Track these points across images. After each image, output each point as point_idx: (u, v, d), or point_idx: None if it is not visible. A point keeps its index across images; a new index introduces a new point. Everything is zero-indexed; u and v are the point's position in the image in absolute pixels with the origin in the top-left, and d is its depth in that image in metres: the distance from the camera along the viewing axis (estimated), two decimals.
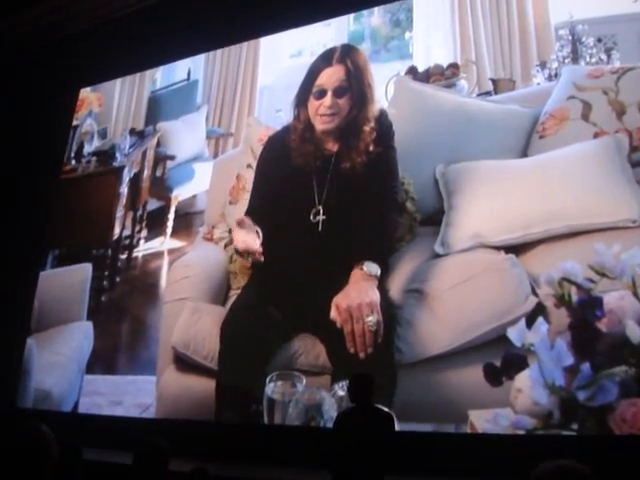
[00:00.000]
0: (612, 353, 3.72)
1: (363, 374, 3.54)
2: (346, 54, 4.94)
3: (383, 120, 4.93)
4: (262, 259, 4.55)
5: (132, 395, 5.89)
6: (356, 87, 4.85)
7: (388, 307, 4.52)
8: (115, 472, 3.84)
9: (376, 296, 4.42)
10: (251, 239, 4.55)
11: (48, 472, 1.90)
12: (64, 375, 6.23)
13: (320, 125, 4.93)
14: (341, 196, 4.85)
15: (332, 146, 4.98)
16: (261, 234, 4.64)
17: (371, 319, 4.30)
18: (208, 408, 4.80)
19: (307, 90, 4.96)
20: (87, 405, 6.08)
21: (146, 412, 5.61)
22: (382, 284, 4.63)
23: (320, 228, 4.83)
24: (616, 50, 5.01)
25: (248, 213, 5.12)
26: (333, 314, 4.40)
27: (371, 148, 4.81)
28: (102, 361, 6.30)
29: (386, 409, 3.60)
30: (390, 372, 4.38)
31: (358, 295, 4.40)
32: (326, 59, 4.98)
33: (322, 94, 4.88)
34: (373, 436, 3.34)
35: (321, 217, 4.84)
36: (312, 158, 4.92)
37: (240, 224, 4.63)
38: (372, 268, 4.50)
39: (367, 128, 4.83)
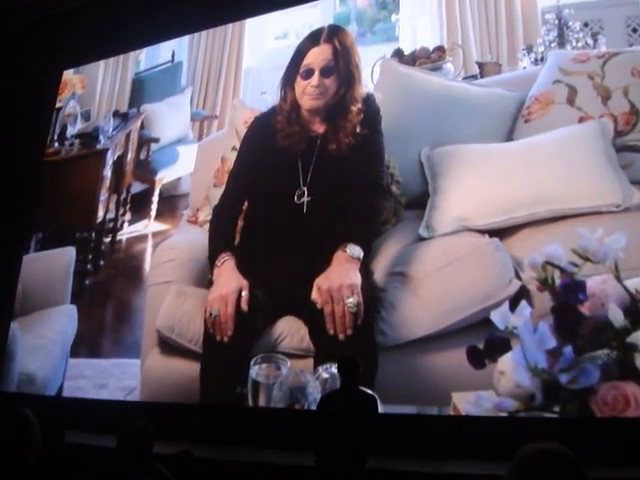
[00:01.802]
0: (594, 336, 3.75)
1: (349, 357, 3.54)
2: (333, 34, 4.93)
3: (370, 103, 4.91)
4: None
5: (117, 378, 5.88)
6: (343, 67, 4.84)
7: (370, 289, 4.53)
8: (99, 455, 3.84)
9: (357, 279, 4.44)
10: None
11: (31, 457, 1.90)
12: (48, 359, 6.20)
13: (307, 102, 4.91)
14: (326, 178, 4.84)
15: (318, 127, 4.96)
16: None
17: (351, 301, 4.32)
18: (193, 391, 4.79)
19: (294, 70, 4.94)
20: (71, 389, 6.06)
21: (130, 395, 5.60)
22: (366, 267, 4.64)
23: (305, 210, 4.82)
24: (602, 35, 5.02)
25: (225, 198, 5.17)
26: (314, 295, 4.42)
27: (358, 130, 4.79)
28: (86, 344, 6.28)
29: (370, 391, 3.61)
30: (370, 354, 4.38)
31: (339, 277, 4.41)
32: (313, 39, 4.96)
33: (309, 74, 4.86)
34: (356, 418, 3.36)
35: (306, 199, 4.83)
36: (297, 139, 4.90)
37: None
38: (355, 251, 4.50)
39: (354, 108, 4.82)
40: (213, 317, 4.63)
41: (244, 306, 4.62)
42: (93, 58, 7.50)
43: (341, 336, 4.30)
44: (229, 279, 4.73)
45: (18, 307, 6.66)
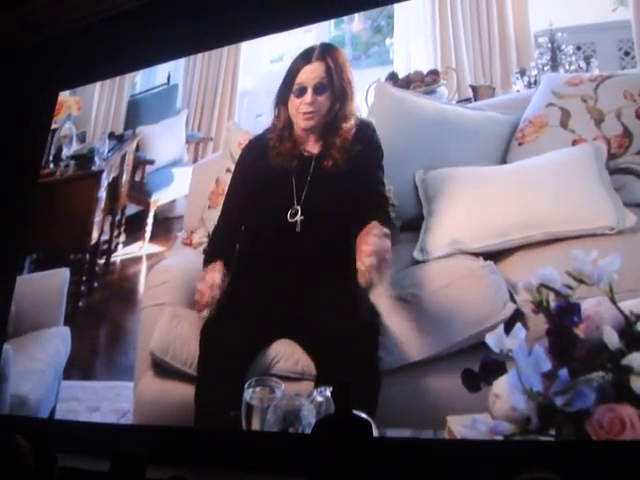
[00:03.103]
0: (589, 359, 3.73)
1: (343, 383, 3.53)
2: (325, 51, 4.95)
3: (365, 128, 4.92)
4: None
5: (110, 401, 5.84)
6: (337, 83, 4.86)
7: (376, 312, 4.51)
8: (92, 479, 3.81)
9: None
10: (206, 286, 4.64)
11: None
12: (41, 381, 6.16)
13: (301, 122, 4.92)
14: (321, 196, 4.82)
15: (313, 147, 4.97)
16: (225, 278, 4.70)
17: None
18: (186, 414, 4.75)
19: (287, 88, 4.95)
20: (64, 411, 6.02)
21: (124, 418, 5.56)
22: (365, 291, 4.60)
23: (298, 229, 4.80)
24: (595, 58, 5.05)
25: (220, 220, 5.16)
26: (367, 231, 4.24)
27: (350, 145, 4.80)
28: (79, 367, 6.24)
29: (364, 415, 3.59)
30: (374, 379, 4.35)
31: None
32: (306, 57, 4.97)
33: (302, 92, 4.88)
34: (351, 443, 3.34)
35: (299, 217, 4.81)
36: (289, 157, 4.91)
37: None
38: (385, 229, 4.31)
39: (346, 125, 4.84)
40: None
41: (216, 291, 4.64)
42: (89, 80, 7.53)
43: (360, 262, 4.15)
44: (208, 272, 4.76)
45: (11, 328, 6.63)
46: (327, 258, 4.63)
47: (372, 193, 4.73)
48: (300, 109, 4.90)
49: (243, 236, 5.02)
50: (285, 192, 4.86)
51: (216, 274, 4.67)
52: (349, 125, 4.83)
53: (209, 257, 4.93)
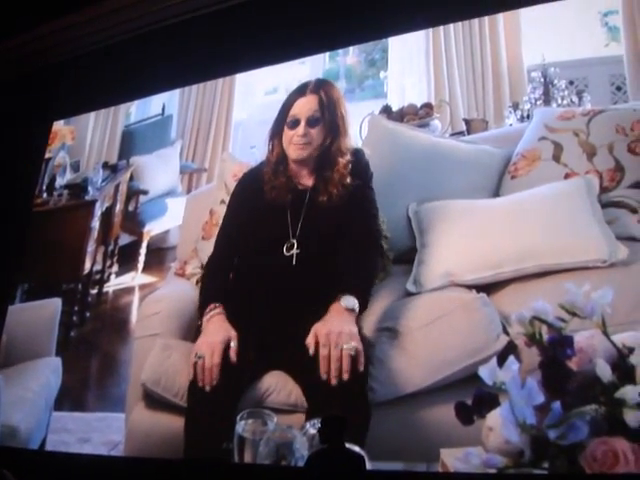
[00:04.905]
0: (583, 392, 3.71)
1: (333, 415, 3.51)
2: (320, 86, 4.95)
3: (360, 157, 4.93)
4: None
5: (101, 432, 5.77)
6: (329, 118, 4.84)
7: (365, 342, 4.44)
8: None
9: (355, 329, 4.35)
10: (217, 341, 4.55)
11: None
12: (32, 411, 6.08)
13: (293, 153, 4.89)
14: (316, 230, 4.79)
15: (307, 180, 4.95)
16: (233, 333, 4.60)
17: (351, 345, 4.21)
18: (177, 446, 4.68)
19: (281, 121, 4.94)
20: (55, 442, 5.94)
21: (115, 450, 5.49)
22: (357, 322, 4.59)
23: (294, 262, 4.79)
24: (587, 92, 5.12)
25: (215, 253, 5.11)
26: (310, 339, 4.30)
27: (347, 180, 4.79)
28: (71, 397, 6.17)
29: (357, 448, 3.56)
30: (364, 410, 4.29)
31: (339, 324, 4.31)
32: (300, 90, 4.97)
33: (295, 123, 4.86)
34: (344, 477, 3.31)
35: (295, 251, 4.80)
36: (284, 191, 4.88)
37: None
38: (349, 302, 4.40)
39: (342, 160, 4.81)
40: (198, 358, 4.51)
41: (233, 357, 4.51)
42: (84, 110, 7.55)
43: (334, 380, 4.17)
44: (218, 328, 4.62)
45: (2, 358, 6.56)
46: (321, 290, 4.62)
47: (364, 229, 4.76)
48: (293, 140, 4.87)
49: (238, 270, 4.99)
50: (281, 226, 4.84)
51: (220, 335, 4.59)
52: (344, 160, 4.82)
53: (206, 298, 4.84)
